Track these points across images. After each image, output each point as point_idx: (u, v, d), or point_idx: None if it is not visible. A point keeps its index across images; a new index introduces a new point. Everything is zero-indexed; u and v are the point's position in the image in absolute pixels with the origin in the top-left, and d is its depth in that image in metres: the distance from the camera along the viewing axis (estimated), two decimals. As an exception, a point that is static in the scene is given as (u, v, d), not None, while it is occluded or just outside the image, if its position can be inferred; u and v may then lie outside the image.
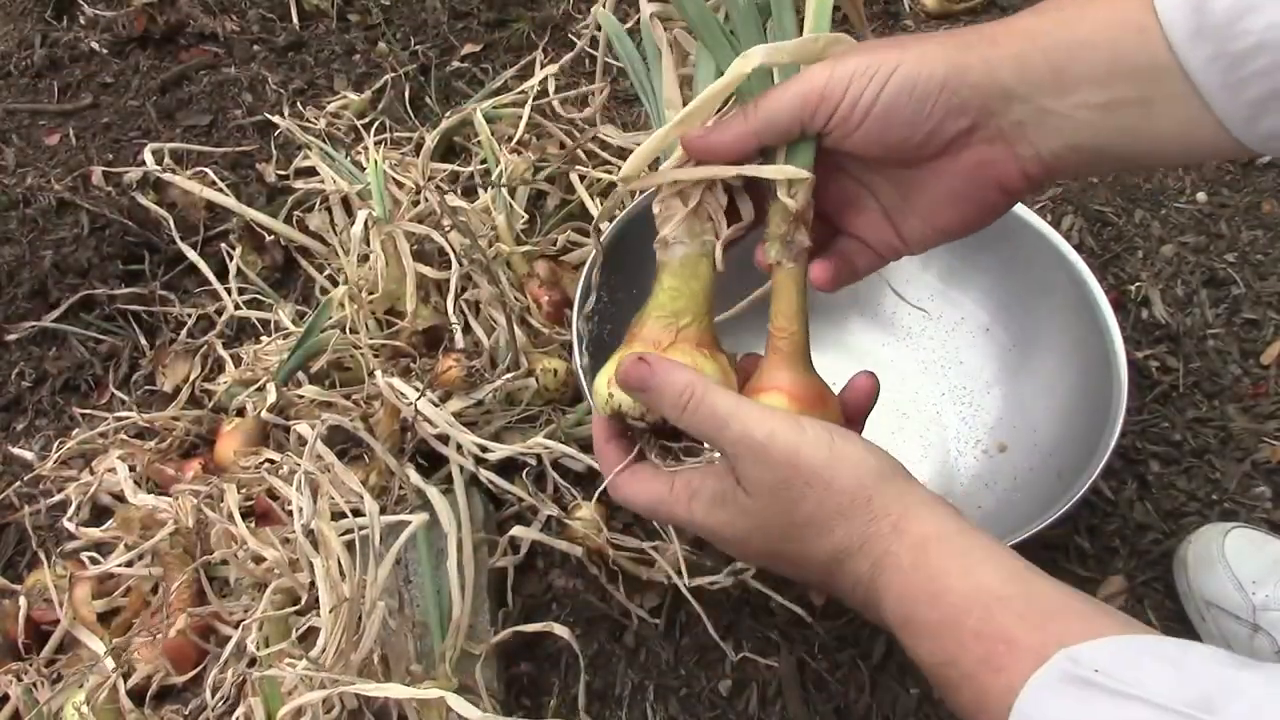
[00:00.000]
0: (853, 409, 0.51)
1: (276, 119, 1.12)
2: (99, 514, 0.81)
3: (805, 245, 0.48)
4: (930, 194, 0.48)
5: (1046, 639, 0.36)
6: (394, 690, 0.57)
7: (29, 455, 0.86)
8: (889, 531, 0.42)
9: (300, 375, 0.86)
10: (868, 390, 0.51)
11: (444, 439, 0.78)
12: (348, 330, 0.86)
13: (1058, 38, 0.43)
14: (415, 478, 0.75)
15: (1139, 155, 0.45)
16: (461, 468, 0.77)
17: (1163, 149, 0.44)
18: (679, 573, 0.72)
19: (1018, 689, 0.35)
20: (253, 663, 0.66)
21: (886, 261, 0.52)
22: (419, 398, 0.76)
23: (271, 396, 0.81)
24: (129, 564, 0.74)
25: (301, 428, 0.76)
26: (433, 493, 0.72)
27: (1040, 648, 0.36)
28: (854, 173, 0.50)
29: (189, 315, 0.96)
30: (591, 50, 1.22)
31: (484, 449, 0.77)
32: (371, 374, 0.80)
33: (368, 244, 0.90)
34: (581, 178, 1.00)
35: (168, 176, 1.02)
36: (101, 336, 0.95)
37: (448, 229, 0.87)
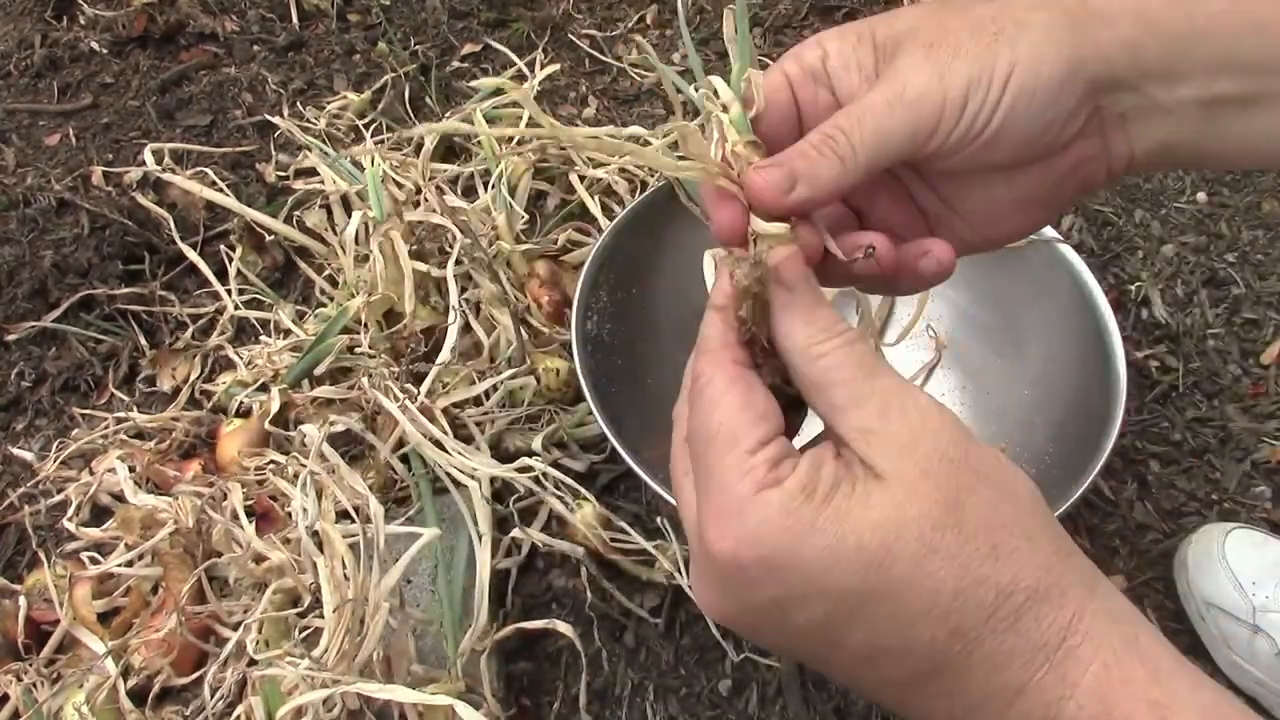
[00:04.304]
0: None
1: (276, 119, 1.12)
2: (99, 514, 0.81)
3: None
4: (997, 199, 0.40)
5: None
6: (401, 693, 0.57)
7: (29, 455, 0.86)
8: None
9: (301, 375, 0.86)
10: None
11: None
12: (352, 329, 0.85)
13: (1174, 25, 0.36)
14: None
15: (1224, 155, 0.39)
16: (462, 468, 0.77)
17: (1255, 150, 0.39)
18: (679, 572, 0.72)
19: None
20: (253, 663, 0.66)
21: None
22: (417, 403, 0.76)
23: (276, 403, 0.81)
24: (129, 564, 0.74)
25: (307, 429, 0.76)
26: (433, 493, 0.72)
27: None
28: (895, 170, 0.41)
29: (189, 315, 0.96)
30: (592, 51, 1.23)
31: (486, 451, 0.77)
32: (370, 375, 0.80)
33: (368, 244, 0.90)
34: (581, 178, 1.00)
35: (168, 176, 1.01)
36: (101, 336, 0.95)
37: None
